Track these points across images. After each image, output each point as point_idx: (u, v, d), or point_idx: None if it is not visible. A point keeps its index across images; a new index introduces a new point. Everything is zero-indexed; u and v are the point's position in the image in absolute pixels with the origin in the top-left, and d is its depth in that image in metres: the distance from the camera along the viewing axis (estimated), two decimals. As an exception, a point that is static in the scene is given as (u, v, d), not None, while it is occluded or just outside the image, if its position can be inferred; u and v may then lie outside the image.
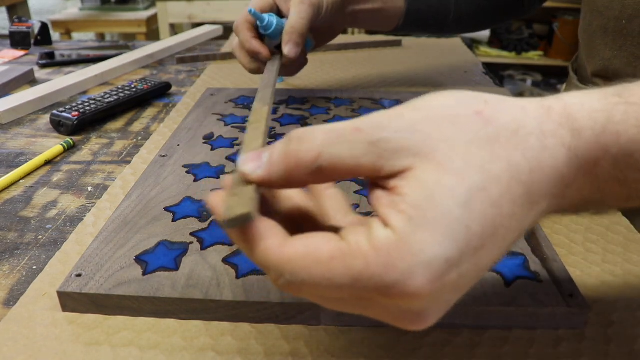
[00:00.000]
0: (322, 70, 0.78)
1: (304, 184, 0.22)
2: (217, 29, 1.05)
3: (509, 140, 0.20)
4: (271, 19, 0.52)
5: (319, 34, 0.56)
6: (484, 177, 0.19)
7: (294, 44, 0.51)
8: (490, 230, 0.19)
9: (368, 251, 0.19)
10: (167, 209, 0.39)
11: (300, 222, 0.24)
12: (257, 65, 0.54)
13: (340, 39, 0.97)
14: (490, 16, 0.65)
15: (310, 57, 0.86)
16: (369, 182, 0.21)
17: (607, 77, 0.51)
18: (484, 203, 0.19)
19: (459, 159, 0.19)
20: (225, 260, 0.33)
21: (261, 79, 0.46)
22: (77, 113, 0.57)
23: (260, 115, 0.32)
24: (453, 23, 0.62)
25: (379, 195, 0.20)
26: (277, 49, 0.53)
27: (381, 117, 0.20)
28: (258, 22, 0.52)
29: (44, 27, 0.96)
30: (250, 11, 0.51)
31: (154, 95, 0.67)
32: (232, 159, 0.47)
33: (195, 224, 0.37)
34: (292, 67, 0.57)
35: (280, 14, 0.54)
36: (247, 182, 0.21)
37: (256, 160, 0.22)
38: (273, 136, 0.52)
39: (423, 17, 0.61)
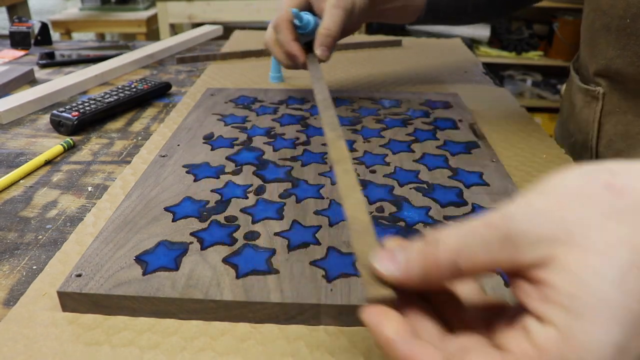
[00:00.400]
0: (322, 70, 0.78)
1: (441, 283, 0.22)
2: (217, 29, 1.05)
3: None
4: (309, 18, 0.54)
5: (344, 31, 0.57)
6: (630, 251, 0.18)
7: (326, 48, 0.54)
8: None
9: (538, 355, 0.18)
10: (167, 209, 0.39)
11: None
12: (293, 63, 0.56)
13: (341, 39, 0.97)
14: (505, 2, 0.65)
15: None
16: (509, 273, 0.21)
17: (609, 76, 0.51)
18: (638, 278, 0.18)
19: (600, 238, 0.18)
20: (225, 260, 0.33)
21: (314, 90, 0.46)
22: (77, 113, 0.57)
23: (341, 151, 0.32)
24: (472, 11, 0.63)
25: (526, 290, 0.20)
26: (307, 46, 0.55)
27: (510, 208, 0.20)
28: (297, 21, 0.53)
29: (44, 27, 0.96)
30: (293, 11, 0.52)
31: (154, 95, 0.67)
32: (232, 159, 0.47)
33: (195, 224, 0.37)
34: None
35: (313, 11, 0.56)
36: (383, 280, 0.22)
37: (391, 260, 0.22)
38: (273, 136, 0.52)
39: (443, 7, 0.62)
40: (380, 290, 0.21)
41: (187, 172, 0.44)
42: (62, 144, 0.53)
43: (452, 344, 0.21)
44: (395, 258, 0.22)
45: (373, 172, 0.45)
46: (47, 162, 0.51)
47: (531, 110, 1.89)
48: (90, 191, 0.46)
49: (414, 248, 0.21)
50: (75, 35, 2.29)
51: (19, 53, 0.90)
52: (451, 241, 0.20)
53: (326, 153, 0.48)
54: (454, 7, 0.63)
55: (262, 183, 0.43)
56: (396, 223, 0.37)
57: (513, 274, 0.20)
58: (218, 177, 0.44)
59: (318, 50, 0.53)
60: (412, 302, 0.22)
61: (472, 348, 0.20)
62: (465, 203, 0.40)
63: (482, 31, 2.35)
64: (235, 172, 0.45)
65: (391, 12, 0.60)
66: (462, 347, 0.21)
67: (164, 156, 0.47)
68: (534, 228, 0.19)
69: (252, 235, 0.36)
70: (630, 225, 0.19)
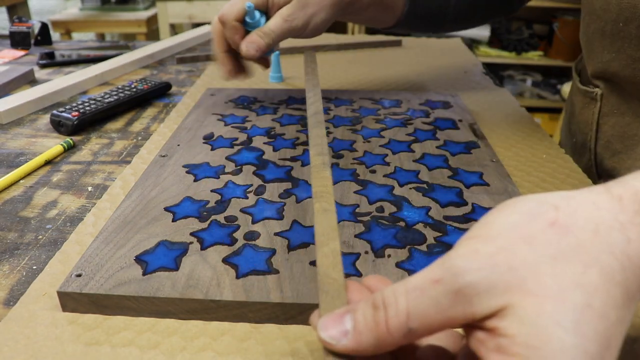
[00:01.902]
0: (322, 70, 0.78)
1: (394, 347, 0.20)
2: (217, 29, 1.05)
3: (592, 243, 0.19)
4: (261, 19, 0.52)
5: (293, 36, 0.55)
6: (583, 292, 0.18)
7: (256, 48, 0.52)
8: (605, 343, 0.18)
9: None
10: (167, 209, 0.39)
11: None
12: (229, 66, 0.56)
13: (340, 39, 0.97)
14: (486, 9, 0.64)
15: (310, 57, 0.86)
16: (463, 326, 0.20)
17: (606, 78, 0.51)
18: (593, 319, 0.18)
19: (551, 281, 0.18)
20: (225, 260, 0.33)
21: (307, 99, 0.45)
22: (77, 113, 0.57)
23: (325, 182, 0.29)
24: (452, 17, 0.61)
25: (481, 338, 0.19)
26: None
27: (454, 259, 0.19)
28: (248, 17, 0.52)
29: (44, 27, 0.96)
30: (248, 5, 0.50)
31: (154, 95, 0.67)
32: (232, 159, 0.47)
33: (195, 224, 0.37)
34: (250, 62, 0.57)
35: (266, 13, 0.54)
36: (331, 351, 0.21)
37: (337, 325, 0.21)
38: (273, 136, 0.52)
39: (421, 13, 0.60)
40: None
41: (187, 172, 0.44)
42: (62, 144, 0.53)
43: None
44: (343, 325, 0.20)
45: (373, 172, 0.45)
46: (47, 162, 0.51)
47: (531, 110, 1.89)
48: (90, 191, 0.46)
49: (363, 313, 0.20)
50: (75, 35, 2.29)
51: (19, 53, 0.90)
52: (400, 305, 0.19)
53: (326, 153, 0.48)
54: (434, 13, 0.61)
55: (262, 183, 0.43)
56: (396, 223, 0.37)
57: (467, 325, 0.20)
58: (218, 177, 0.44)
59: (244, 45, 0.51)
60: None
61: None
62: (465, 203, 0.40)
63: (482, 31, 2.35)
64: (235, 172, 0.45)
65: (365, 18, 0.58)
66: None
67: (164, 156, 0.47)
68: (483, 279, 0.18)
69: (252, 235, 0.36)
70: (578, 264, 0.18)
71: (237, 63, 0.56)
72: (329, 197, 0.28)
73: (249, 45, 0.51)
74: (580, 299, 0.18)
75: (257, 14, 0.52)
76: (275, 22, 0.51)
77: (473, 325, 0.19)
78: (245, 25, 0.52)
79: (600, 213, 0.20)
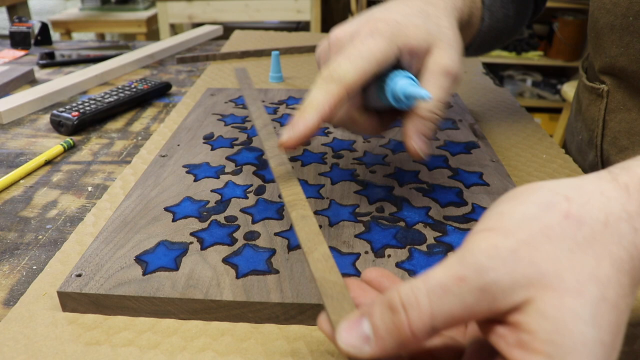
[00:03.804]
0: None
1: (418, 346, 0.20)
2: (217, 29, 1.05)
3: (603, 234, 0.19)
4: (415, 92, 0.32)
5: None
6: (598, 284, 0.19)
7: (426, 138, 0.35)
8: (616, 331, 0.19)
9: None
10: (167, 209, 0.39)
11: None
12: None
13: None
14: (527, 18, 0.58)
15: (310, 57, 0.86)
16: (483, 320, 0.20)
17: (614, 74, 0.51)
18: (608, 311, 0.18)
19: (570, 275, 0.19)
20: (225, 260, 0.33)
21: (250, 113, 0.38)
22: (77, 113, 0.57)
23: (294, 191, 0.27)
24: (510, 30, 0.54)
25: (501, 333, 0.19)
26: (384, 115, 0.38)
27: (477, 255, 0.19)
28: (404, 102, 0.33)
29: (44, 27, 0.96)
30: (404, 100, 0.33)
31: (154, 95, 0.67)
32: (232, 159, 0.47)
33: (195, 224, 0.37)
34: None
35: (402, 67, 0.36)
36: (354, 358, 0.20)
37: (356, 332, 0.20)
38: (273, 136, 0.52)
39: (496, 24, 0.50)
40: None
41: (187, 172, 0.44)
42: (62, 144, 0.53)
43: None
44: (362, 331, 0.20)
45: (373, 172, 0.45)
46: (47, 162, 0.51)
47: (531, 110, 1.89)
48: (90, 191, 0.46)
49: (381, 317, 0.20)
50: (75, 35, 2.29)
51: (19, 53, 0.90)
52: (423, 305, 0.19)
53: (326, 153, 0.48)
54: (501, 27, 0.51)
55: (262, 183, 0.43)
56: (396, 223, 0.37)
57: (486, 320, 0.20)
58: (218, 177, 0.44)
59: (417, 142, 0.35)
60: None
61: None
62: (465, 203, 0.40)
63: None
64: (235, 172, 0.45)
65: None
66: None
67: (164, 156, 0.47)
68: (506, 274, 0.19)
69: (252, 235, 0.36)
70: (592, 256, 0.19)
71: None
72: (303, 203, 0.27)
73: (421, 141, 0.35)
74: (596, 292, 0.18)
75: (412, 90, 0.32)
76: (440, 83, 0.35)
77: (492, 320, 0.20)
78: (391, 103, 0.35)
79: (609, 203, 0.20)
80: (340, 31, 0.36)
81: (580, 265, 0.19)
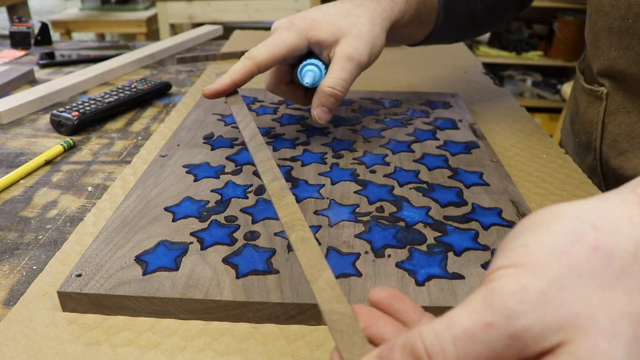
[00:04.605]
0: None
1: None
2: (217, 29, 1.05)
3: (632, 266, 0.19)
4: (315, 72, 0.46)
5: None
6: (631, 322, 0.18)
7: (328, 110, 0.46)
8: None
9: None
10: (167, 209, 0.39)
11: None
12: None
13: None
14: (502, 12, 0.61)
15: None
16: None
17: (613, 76, 0.50)
18: (639, 350, 0.18)
19: (602, 315, 0.18)
20: (225, 260, 0.33)
21: (239, 125, 0.42)
22: (77, 113, 0.57)
23: (291, 209, 0.27)
24: (478, 22, 0.59)
25: None
26: (306, 91, 0.50)
27: (505, 299, 0.18)
28: (306, 81, 0.46)
29: (44, 27, 0.96)
30: (306, 83, 0.46)
31: (154, 95, 0.67)
32: (232, 159, 0.47)
33: (195, 224, 0.37)
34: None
35: (314, 55, 0.48)
36: None
37: None
38: (273, 136, 0.52)
39: (455, 20, 0.57)
40: None
41: (187, 172, 0.44)
42: (62, 144, 0.53)
43: None
44: None
45: (373, 172, 0.45)
46: (47, 162, 0.51)
47: (531, 110, 1.89)
48: (90, 191, 0.46)
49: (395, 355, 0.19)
50: (75, 35, 2.29)
51: (19, 53, 0.90)
52: (449, 354, 0.18)
53: (326, 153, 0.48)
54: (462, 21, 0.58)
55: (262, 183, 0.43)
56: (396, 223, 0.37)
57: None
58: (218, 177, 0.44)
59: (315, 112, 0.46)
60: None
61: None
62: (465, 203, 0.40)
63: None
64: (235, 172, 0.45)
65: (401, 37, 0.55)
66: None
67: (164, 156, 0.47)
68: (537, 319, 0.18)
69: (252, 235, 0.36)
70: (623, 292, 0.18)
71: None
72: (302, 223, 0.26)
73: (322, 110, 0.46)
74: (630, 331, 0.18)
75: (311, 73, 0.46)
76: (338, 67, 0.45)
77: None
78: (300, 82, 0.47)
79: (636, 230, 0.19)
80: (276, 22, 0.48)
81: (612, 302, 0.18)
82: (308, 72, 0.46)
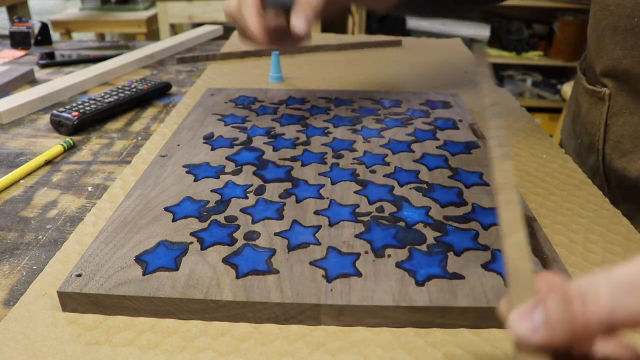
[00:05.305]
0: (322, 70, 0.78)
1: (589, 341, 0.20)
2: (217, 29, 1.05)
3: None
4: None
5: (325, 10, 0.51)
6: None
7: (306, 20, 0.46)
8: None
9: None
10: (167, 209, 0.39)
11: None
12: (253, 39, 0.49)
13: (341, 39, 0.97)
14: None
15: (310, 57, 0.86)
16: None
17: (616, 76, 0.50)
18: None
19: None
20: (225, 260, 0.33)
21: (482, 89, 0.44)
22: (77, 113, 0.57)
23: (507, 174, 0.29)
24: (452, 3, 0.59)
25: None
26: (284, 12, 0.48)
27: None
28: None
29: (44, 27, 0.96)
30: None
31: (154, 95, 0.67)
32: (232, 159, 0.47)
33: (195, 224, 0.37)
34: (291, 40, 0.51)
35: None
36: (523, 346, 0.20)
37: (529, 319, 0.20)
38: (273, 136, 0.52)
39: None
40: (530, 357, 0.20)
41: (187, 172, 0.44)
42: (62, 144, 0.53)
43: None
44: (534, 319, 0.19)
45: (373, 172, 0.45)
46: (47, 162, 0.51)
47: (531, 110, 1.89)
48: (90, 191, 0.46)
49: (555, 306, 0.19)
50: (75, 35, 2.29)
51: (19, 53, 0.90)
52: (603, 299, 0.18)
53: (326, 153, 0.48)
54: None
55: (262, 183, 0.43)
56: (396, 223, 0.37)
57: None
58: (218, 177, 0.44)
59: (297, 21, 0.46)
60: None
61: None
62: (465, 203, 0.40)
63: (482, 31, 2.35)
64: (235, 172, 0.45)
65: None
66: None
67: (164, 156, 0.47)
68: None
69: (252, 235, 0.36)
70: None
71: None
72: (512, 188, 0.28)
73: (301, 20, 0.46)
74: None
75: None
76: None
77: None
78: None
79: None
80: None
81: None
82: None
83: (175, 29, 2.09)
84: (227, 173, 0.45)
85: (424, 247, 0.35)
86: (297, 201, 0.40)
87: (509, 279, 0.22)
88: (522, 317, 0.20)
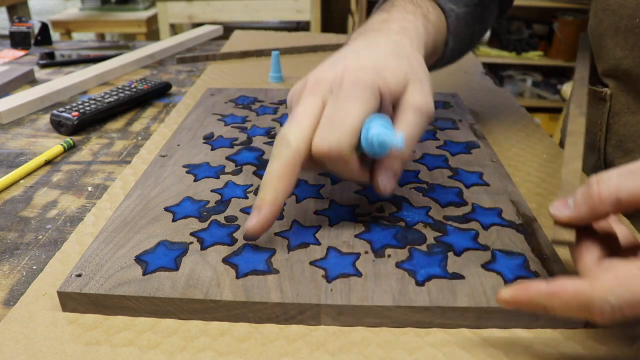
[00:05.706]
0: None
1: (605, 215, 0.26)
2: (217, 29, 1.05)
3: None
4: (386, 138, 0.32)
5: None
6: None
7: (394, 177, 0.35)
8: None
9: None
10: (167, 209, 0.39)
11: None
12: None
13: (341, 39, 0.97)
14: (490, 19, 0.59)
15: (310, 57, 0.86)
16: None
17: (617, 76, 0.50)
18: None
19: None
20: (225, 260, 0.33)
21: (576, 67, 0.50)
22: (77, 113, 0.57)
23: (578, 126, 0.38)
24: (477, 37, 0.57)
25: None
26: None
27: None
28: (376, 149, 0.33)
29: (44, 27, 0.96)
30: (398, 145, 0.32)
31: (154, 95, 0.67)
32: (232, 159, 0.47)
33: (195, 224, 0.37)
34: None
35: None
36: (557, 221, 0.28)
37: (564, 205, 0.28)
38: (273, 136, 0.52)
39: (460, 40, 0.51)
40: (563, 233, 0.28)
41: (187, 172, 0.44)
42: (62, 144, 0.53)
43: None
44: (567, 203, 0.28)
45: (373, 172, 0.45)
46: (47, 162, 0.51)
47: (531, 110, 1.89)
48: (90, 191, 0.46)
49: (580, 191, 0.27)
50: (75, 35, 2.29)
51: (19, 53, 0.90)
52: (612, 180, 0.25)
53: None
54: (467, 39, 0.53)
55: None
56: (396, 223, 0.37)
57: None
58: (218, 177, 0.44)
59: (383, 179, 0.35)
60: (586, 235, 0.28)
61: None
62: (465, 203, 0.40)
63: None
64: (235, 172, 0.45)
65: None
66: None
67: (164, 156, 0.47)
68: None
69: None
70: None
71: None
72: (580, 135, 0.36)
73: (387, 180, 0.35)
74: None
75: (379, 138, 0.32)
76: (413, 119, 0.35)
77: None
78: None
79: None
80: (319, 74, 0.36)
81: None
82: (379, 135, 0.32)
83: (175, 29, 2.09)
84: (227, 173, 0.45)
85: (424, 247, 0.35)
86: (297, 201, 0.40)
87: (560, 190, 0.31)
88: (560, 202, 0.28)
